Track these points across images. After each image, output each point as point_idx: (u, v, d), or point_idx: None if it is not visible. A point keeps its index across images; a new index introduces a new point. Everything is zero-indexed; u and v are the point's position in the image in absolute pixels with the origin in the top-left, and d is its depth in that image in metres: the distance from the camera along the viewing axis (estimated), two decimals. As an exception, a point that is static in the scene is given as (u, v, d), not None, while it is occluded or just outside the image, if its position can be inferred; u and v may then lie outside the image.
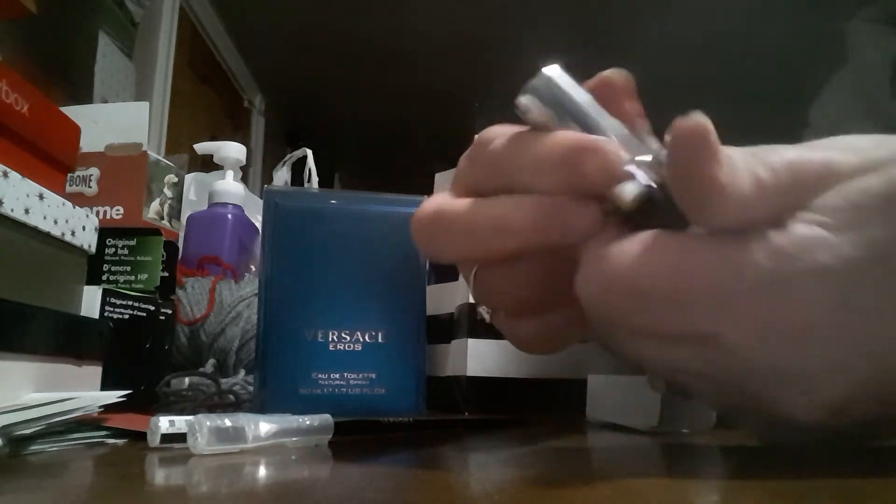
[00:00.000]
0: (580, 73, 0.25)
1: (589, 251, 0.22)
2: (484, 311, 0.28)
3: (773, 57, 2.33)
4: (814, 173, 0.21)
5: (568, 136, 0.23)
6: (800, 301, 0.20)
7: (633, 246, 0.21)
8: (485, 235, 0.24)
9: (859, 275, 0.20)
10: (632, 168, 0.22)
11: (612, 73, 0.25)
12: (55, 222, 0.36)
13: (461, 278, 0.53)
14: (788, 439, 0.26)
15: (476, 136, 0.26)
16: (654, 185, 0.22)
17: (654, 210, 0.22)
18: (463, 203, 0.25)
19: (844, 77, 0.63)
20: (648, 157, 0.22)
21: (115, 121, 0.66)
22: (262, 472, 0.23)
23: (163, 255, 0.49)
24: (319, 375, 0.34)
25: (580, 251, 0.22)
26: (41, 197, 0.34)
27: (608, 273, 0.21)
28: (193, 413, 0.26)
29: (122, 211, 0.59)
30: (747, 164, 0.20)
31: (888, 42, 0.60)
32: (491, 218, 0.24)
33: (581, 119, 0.24)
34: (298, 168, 0.88)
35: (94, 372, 0.38)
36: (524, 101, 0.24)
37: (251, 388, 0.47)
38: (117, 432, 0.30)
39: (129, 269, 0.48)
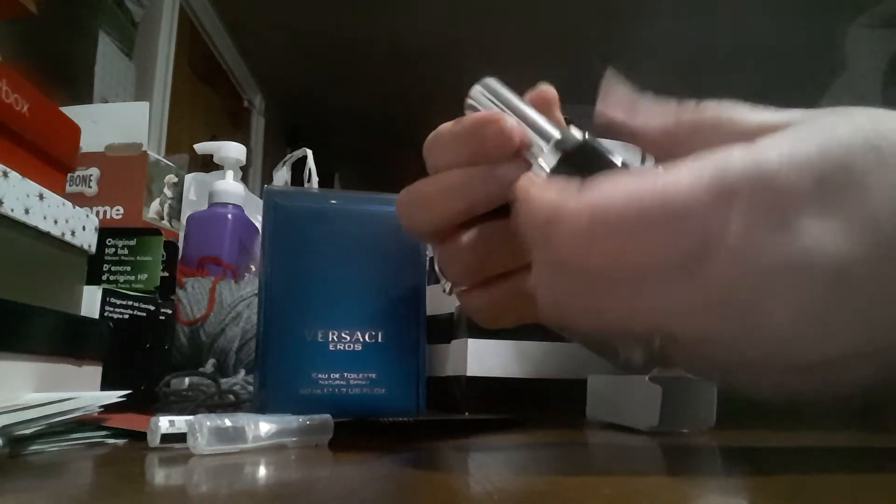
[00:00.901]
0: (580, 72, 0.27)
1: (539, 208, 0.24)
2: (445, 285, 0.32)
3: (777, 63, 2.33)
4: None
5: (475, 114, 0.27)
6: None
7: (585, 190, 0.23)
8: (440, 201, 0.28)
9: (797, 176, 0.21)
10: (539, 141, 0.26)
11: (544, 87, 0.29)
12: (55, 222, 0.36)
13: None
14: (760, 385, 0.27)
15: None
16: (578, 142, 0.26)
17: (578, 165, 0.25)
18: (424, 180, 0.29)
19: (843, 83, 0.63)
20: (558, 135, 0.26)
21: (115, 121, 0.66)
22: (262, 472, 0.23)
23: (163, 255, 0.49)
24: (319, 375, 0.34)
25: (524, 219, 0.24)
26: (41, 197, 0.34)
27: (579, 211, 0.22)
28: (193, 413, 0.26)
29: (122, 211, 0.59)
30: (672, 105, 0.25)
31: (884, 44, 0.61)
32: (442, 185, 0.28)
33: (518, 112, 0.27)
34: (298, 168, 0.88)
35: (94, 372, 0.38)
36: (474, 91, 0.28)
37: (251, 388, 0.47)
38: (117, 432, 0.30)
39: (129, 269, 0.48)
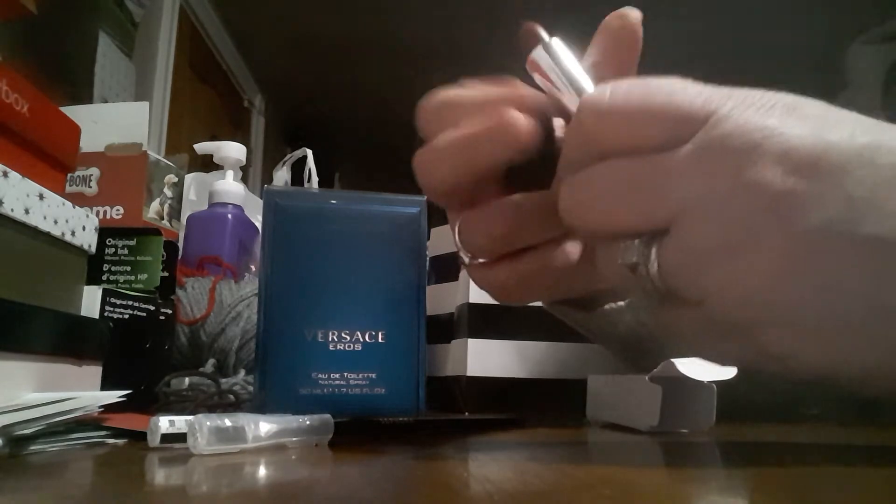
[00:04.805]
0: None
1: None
2: (464, 256, 0.31)
3: (778, 83, 2.33)
4: None
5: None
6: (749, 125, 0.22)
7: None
8: (455, 155, 0.28)
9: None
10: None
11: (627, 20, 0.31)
12: (55, 222, 0.36)
13: (461, 278, 0.53)
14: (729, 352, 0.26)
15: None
16: None
17: None
18: (440, 136, 0.28)
19: (844, 99, 0.64)
20: None
21: (115, 121, 0.66)
22: (262, 472, 0.23)
23: (163, 255, 0.49)
24: (319, 375, 0.34)
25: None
26: (41, 197, 0.34)
27: (606, 92, 0.25)
28: (193, 413, 0.26)
29: (122, 211, 0.59)
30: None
31: (883, 57, 0.61)
32: (456, 138, 0.27)
33: (575, 85, 0.28)
34: (298, 168, 0.88)
35: (94, 372, 0.38)
36: (539, 53, 0.29)
37: (251, 388, 0.47)
38: (117, 432, 0.30)
39: (129, 269, 0.48)
